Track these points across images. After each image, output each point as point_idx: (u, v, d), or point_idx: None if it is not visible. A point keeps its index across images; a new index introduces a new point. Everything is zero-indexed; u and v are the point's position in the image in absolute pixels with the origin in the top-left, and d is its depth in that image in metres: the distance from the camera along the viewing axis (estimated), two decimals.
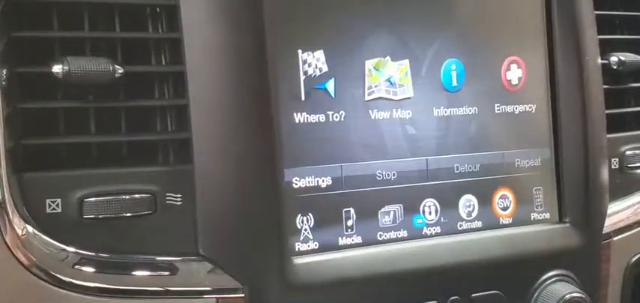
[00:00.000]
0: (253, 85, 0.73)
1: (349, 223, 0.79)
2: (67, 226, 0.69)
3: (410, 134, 0.83)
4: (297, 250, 0.77)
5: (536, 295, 0.86)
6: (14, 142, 0.68)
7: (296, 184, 0.77)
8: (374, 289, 0.78)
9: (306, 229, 0.77)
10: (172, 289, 0.72)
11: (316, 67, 0.78)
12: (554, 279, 0.86)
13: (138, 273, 0.71)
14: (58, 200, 0.68)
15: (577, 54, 0.89)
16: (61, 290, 0.68)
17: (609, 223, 0.94)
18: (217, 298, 0.73)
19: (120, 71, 0.70)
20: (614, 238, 0.94)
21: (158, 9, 0.74)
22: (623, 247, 0.95)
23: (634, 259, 0.97)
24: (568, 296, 0.84)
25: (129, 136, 0.72)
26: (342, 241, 0.79)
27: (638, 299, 0.99)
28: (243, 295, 0.73)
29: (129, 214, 0.70)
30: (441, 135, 0.84)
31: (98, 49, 0.71)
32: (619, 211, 0.96)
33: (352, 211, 0.80)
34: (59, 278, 0.68)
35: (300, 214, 0.77)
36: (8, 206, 0.66)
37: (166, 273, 0.72)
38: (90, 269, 0.69)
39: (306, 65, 0.77)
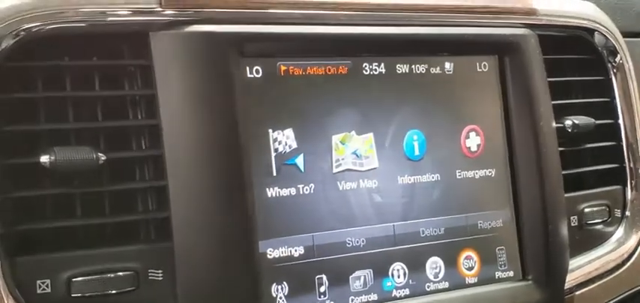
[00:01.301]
0: (227, 165, 0.78)
1: (322, 289, 0.84)
2: None
3: (377, 202, 0.88)
4: None
5: None
6: (6, 228, 0.72)
7: (270, 255, 0.82)
8: None
9: (281, 297, 0.82)
10: None
11: (286, 145, 0.83)
12: None
13: None
14: (48, 281, 0.73)
15: (532, 120, 0.95)
16: None
17: (571, 279, 0.99)
18: None
19: (103, 158, 0.75)
20: (577, 293, 0.99)
21: (137, 98, 0.80)
22: (585, 300, 1.00)
23: None
24: None
25: (112, 218, 0.77)
26: None
27: None
28: None
29: (114, 291, 0.75)
30: (406, 201, 0.90)
31: (82, 137, 0.77)
32: (580, 267, 1.02)
33: (324, 277, 0.85)
34: None
35: (275, 283, 0.82)
36: (2, 289, 0.71)
37: None
38: None
39: (277, 143, 0.83)
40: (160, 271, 0.77)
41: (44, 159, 0.73)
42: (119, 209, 0.78)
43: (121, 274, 0.75)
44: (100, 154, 0.75)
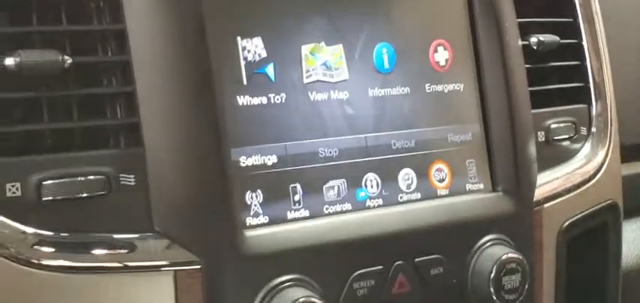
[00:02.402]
0: (196, 71, 0.77)
1: (296, 197, 0.84)
2: (27, 209, 0.72)
3: (348, 114, 0.88)
4: (248, 224, 0.81)
5: (475, 257, 0.91)
6: None
7: (243, 163, 0.81)
8: (322, 257, 0.82)
9: (255, 205, 0.82)
10: (131, 264, 0.75)
11: (255, 53, 0.83)
12: (490, 242, 0.92)
13: (96, 251, 0.74)
14: (18, 184, 0.71)
15: (498, 36, 0.96)
16: (23, 267, 0.70)
17: (540, 192, 1.00)
18: (175, 271, 0.76)
19: (69, 61, 0.74)
20: (545, 205, 1.00)
21: (102, 3, 0.79)
22: (554, 213, 1.01)
23: (565, 224, 1.03)
24: (505, 257, 0.90)
25: (80, 123, 0.76)
26: (290, 215, 0.83)
27: (572, 264, 1.06)
28: (199, 267, 0.77)
29: (85, 195, 0.74)
30: (377, 114, 0.90)
31: (48, 43, 0.75)
32: (549, 181, 1.02)
33: (298, 186, 0.84)
34: (19, 257, 0.70)
35: (249, 191, 0.81)
36: None
37: (124, 250, 0.75)
38: (48, 249, 0.72)
39: (246, 51, 0.82)
40: (131, 176, 0.76)
41: (9, 61, 0.71)
42: (88, 115, 0.77)
43: (92, 177, 0.74)
44: (66, 58, 0.74)
